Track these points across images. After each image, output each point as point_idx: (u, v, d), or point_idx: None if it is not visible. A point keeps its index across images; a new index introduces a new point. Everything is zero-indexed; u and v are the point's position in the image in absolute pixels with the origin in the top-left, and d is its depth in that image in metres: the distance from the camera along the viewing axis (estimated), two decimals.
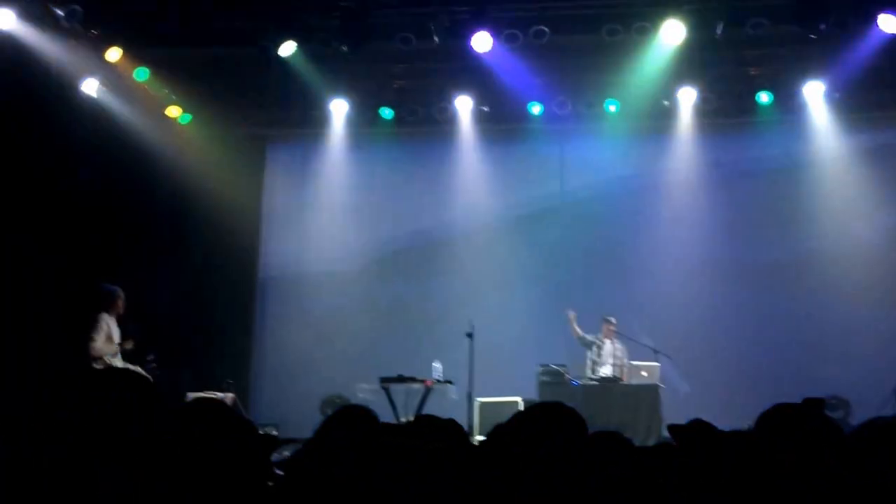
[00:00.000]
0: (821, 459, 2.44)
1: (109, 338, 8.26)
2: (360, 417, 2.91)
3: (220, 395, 9.44)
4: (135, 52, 9.90)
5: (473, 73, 10.54)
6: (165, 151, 10.86)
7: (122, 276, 10.50)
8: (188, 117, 11.28)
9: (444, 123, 11.63)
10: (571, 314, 10.45)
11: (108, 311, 8.27)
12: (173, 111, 11.14)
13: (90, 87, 9.97)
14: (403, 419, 8.87)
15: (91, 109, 10.02)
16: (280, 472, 2.87)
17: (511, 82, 10.53)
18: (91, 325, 8.15)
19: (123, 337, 8.51)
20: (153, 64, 10.18)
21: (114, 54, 9.65)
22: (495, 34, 9.43)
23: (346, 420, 2.86)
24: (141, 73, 10.15)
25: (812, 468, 2.42)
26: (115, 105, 10.34)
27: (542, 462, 2.50)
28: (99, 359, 8.14)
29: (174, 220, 11.37)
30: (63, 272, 9.38)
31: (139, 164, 10.60)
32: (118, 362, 8.24)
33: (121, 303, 8.36)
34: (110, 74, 10.06)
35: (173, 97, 11.00)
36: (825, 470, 2.41)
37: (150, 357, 9.87)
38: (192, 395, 8.37)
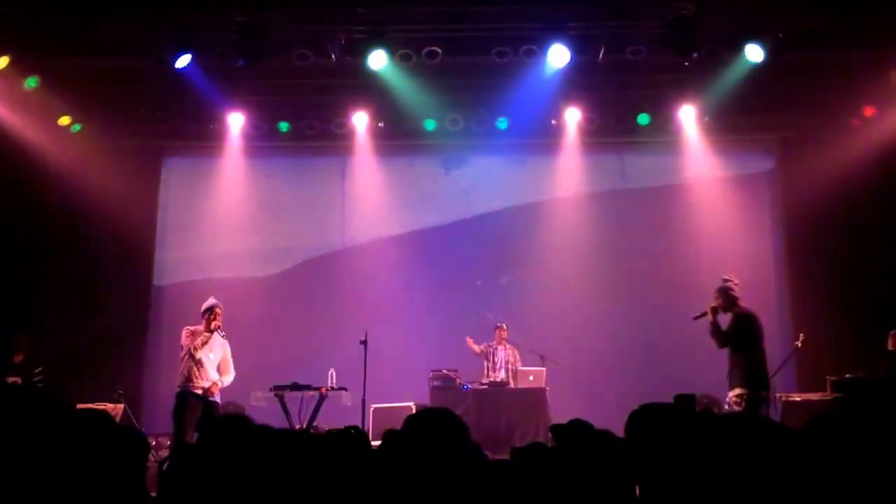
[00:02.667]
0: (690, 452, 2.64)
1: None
2: (238, 424, 3.02)
3: (109, 405, 9.36)
4: (25, 61, 9.69)
5: (369, 90, 10.81)
6: (56, 161, 10.69)
7: (10, 286, 10.33)
8: (79, 127, 11.11)
9: (340, 138, 11.84)
10: (469, 339, 10.88)
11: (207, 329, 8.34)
12: (65, 121, 10.96)
13: None
14: (298, 426, 8.96)
15: None
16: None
17: (406, 99, 10.83)
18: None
19: (14, 351, 8.34)
20: (44, 73, 9.99)
21: (2, 62, 9.45)
22: (390, 53, 9.74)
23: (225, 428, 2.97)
24: (31, 82, 9.97)
25: (681, 461, 2.62)
26: (4, 113, 10.13)
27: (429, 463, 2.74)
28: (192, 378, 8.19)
29: (64, 230, 11.18)
30: None
31: (28, 174, 10.42)
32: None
33: (215, 317, 8.43)
34: None
35: (65, 107, 10.78)
36: (696, 462, 2.61)
37: (38, 370, 9.70)
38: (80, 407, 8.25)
